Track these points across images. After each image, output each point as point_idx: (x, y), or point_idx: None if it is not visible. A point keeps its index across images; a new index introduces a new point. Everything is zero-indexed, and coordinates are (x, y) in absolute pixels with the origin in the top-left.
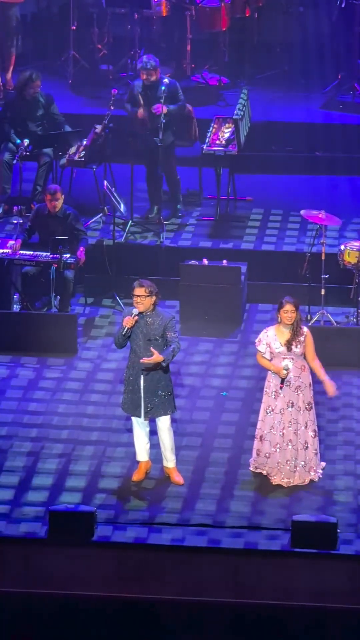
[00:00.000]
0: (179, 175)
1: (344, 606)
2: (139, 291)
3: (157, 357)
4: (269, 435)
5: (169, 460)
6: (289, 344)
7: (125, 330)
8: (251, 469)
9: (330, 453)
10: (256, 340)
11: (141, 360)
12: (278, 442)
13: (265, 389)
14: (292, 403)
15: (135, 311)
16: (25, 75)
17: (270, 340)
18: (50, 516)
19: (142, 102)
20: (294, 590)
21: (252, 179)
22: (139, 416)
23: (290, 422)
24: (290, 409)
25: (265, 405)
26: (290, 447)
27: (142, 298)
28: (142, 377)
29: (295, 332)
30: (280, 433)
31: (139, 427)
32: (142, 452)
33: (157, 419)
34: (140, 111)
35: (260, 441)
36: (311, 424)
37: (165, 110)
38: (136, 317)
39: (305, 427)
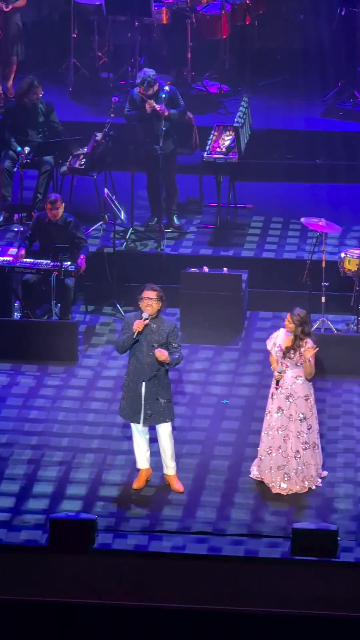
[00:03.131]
0: (179, 184)
1: (345, 614)
2: (150, 294)
3: (166, 356)
4: (265, 436)
5: (170, 468)
6: (286, 351)
7: (135, 334)
8: (252, 475)
9: (330, 460)
10: (269, 337)
11: (156, 351)
12: (270, 445)
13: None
14: (281, 409)
15: (144, 315)
16: (27, 82)
17: (278, 341)
18: (51, 524)
19: (147, 98)
20: (294, 598)
21: (252, 187)
22: (138, 422)
23: (279, 427)
24: (279, 414)
25: (267, 406)
26: (280, 453)
27: (153, 301)
28: (143, 383)
29: (294, 345)
30: (272, 437)
31: (139, 434)
32: (143, 459)
33: (157, 426)
34: (148, 103)
35: (261, 442)
36: (303, 435)
37: (166, 113)
38: (146, 321)
39: (297, 437)
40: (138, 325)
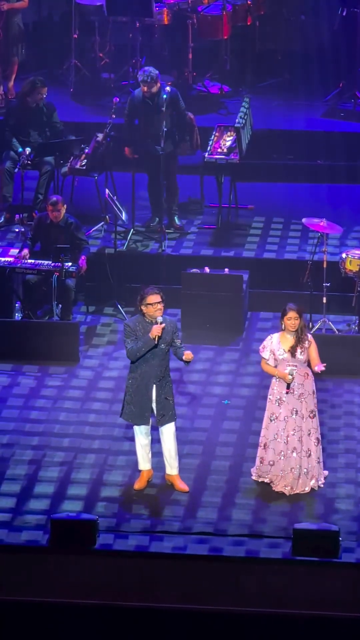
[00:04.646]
0: (180, 185)
1: (346, 614)
2: (157, 298)
3: (192, 355)
4: (273, 442)
5: (174, 468)
6: (292, 351)
7: (156, 340)
8: (253, 477)
9: (331, 461)
10: (260, 347)
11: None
12: (282, 449)
13: (269, 397)
14: (296, 410)
15: (159, 319)
16: (31, 81)
17: (275, 347)
18: (52, 524)
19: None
20: (295, 598)
21: (253, 187)
22: (147, 424)
23: (294, 429)
24: (294, 416)
25: (269, 412)
26: (294, 454)
27: (161, 304)
28: (154, 385)
29: (300, 339)
30: (285, 440)
31: (144, 436)
32: (145, 461)
33: (163, 427)
34: (128, 150)
35: (264, 449)
36: (314, 432)
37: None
38: (163, 325)
39: (309, 434)
40: (157, 331)
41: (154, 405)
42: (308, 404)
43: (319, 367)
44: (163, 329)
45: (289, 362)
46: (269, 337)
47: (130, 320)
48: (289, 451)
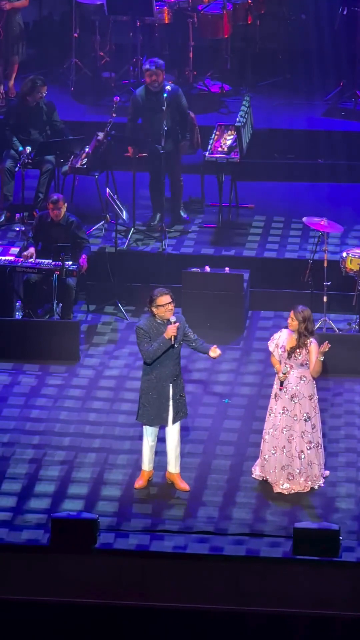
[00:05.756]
0: (183, 183)
1: (347, 614)
2: (167, 298)
3: (219, 351)
4: (269, 437)
5: (176, 466)
6: (291, 351)
7: (173, 340)
8: (254, 475)
9: (332, 460)
10: (271, 338)
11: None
12: (275, 445)
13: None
14: (286, 409)
15: (173, 319)
16: (31, 80)
17: (280, 342)
18: (53, 523)
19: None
20: (296, 597)
21: (254, 186)
22: (160, 424)
23: (284, 427)
24: (284, 414)
25: (269, 406)
26: (284, 453)
27: (172, 304)
28: (170, 384)
29: (299, 343)
30: (276, 437)
31: (151, 436)
32: (150, 461)
33: (172, 425)
34: (131, 150)
35: (264, 442)
36: (307, 435)
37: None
38: (177, 324)
39: (302, 437)
40: (173, 331)
41: (170, 404)
42: (303, 407)
43: (323, 346)
44: (177, 327)
45: (285, 361)
46: (280, 331)
47: (142, 322)
48: (279, 448)
